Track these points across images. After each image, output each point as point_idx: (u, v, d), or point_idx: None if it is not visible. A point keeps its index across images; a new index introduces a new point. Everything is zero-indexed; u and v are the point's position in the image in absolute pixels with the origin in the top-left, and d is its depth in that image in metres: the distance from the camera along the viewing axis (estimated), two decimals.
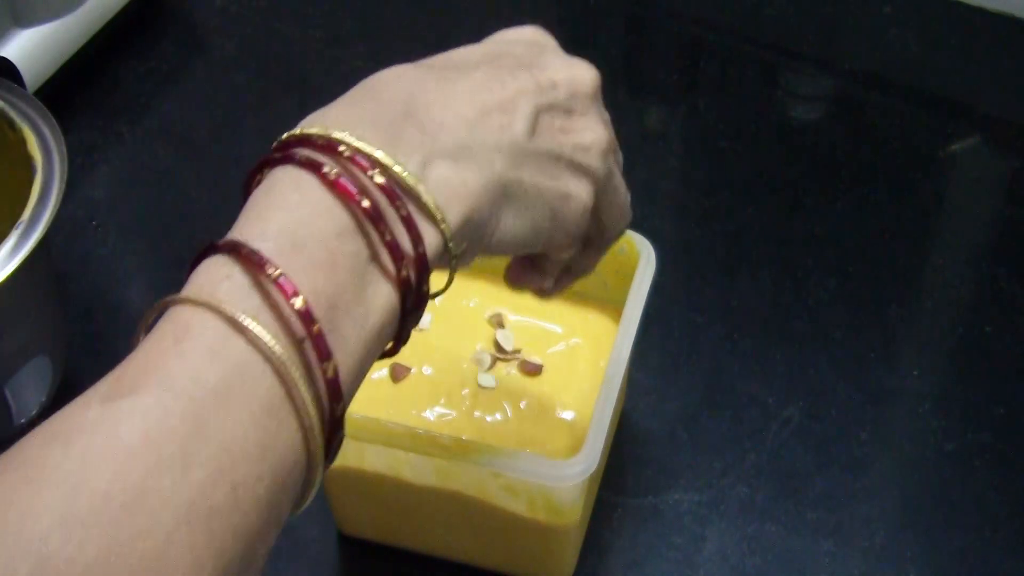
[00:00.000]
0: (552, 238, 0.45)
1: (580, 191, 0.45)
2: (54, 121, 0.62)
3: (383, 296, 0.38)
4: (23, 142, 0.61)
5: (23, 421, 0.64)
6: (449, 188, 0.40)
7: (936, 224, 0.78)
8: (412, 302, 0.39)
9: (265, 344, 0.35)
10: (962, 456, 0.65)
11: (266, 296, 0.36)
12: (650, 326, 0.59)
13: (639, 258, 0.59)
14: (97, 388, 0.35)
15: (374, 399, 0.58)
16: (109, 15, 0.83)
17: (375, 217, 0.38)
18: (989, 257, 0.75)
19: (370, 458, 0.56)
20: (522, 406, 0.60)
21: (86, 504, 0.31)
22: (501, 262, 0.52)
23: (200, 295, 0.37)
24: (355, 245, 0.38)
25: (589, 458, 0.52)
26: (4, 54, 0.76)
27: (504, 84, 0.43)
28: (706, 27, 0.89)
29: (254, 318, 0.35)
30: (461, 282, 0.62)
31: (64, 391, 0.66)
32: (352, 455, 0.56)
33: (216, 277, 0.37)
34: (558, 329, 0.63)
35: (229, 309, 0.35)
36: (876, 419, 0.66)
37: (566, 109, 0.45)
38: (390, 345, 0.40)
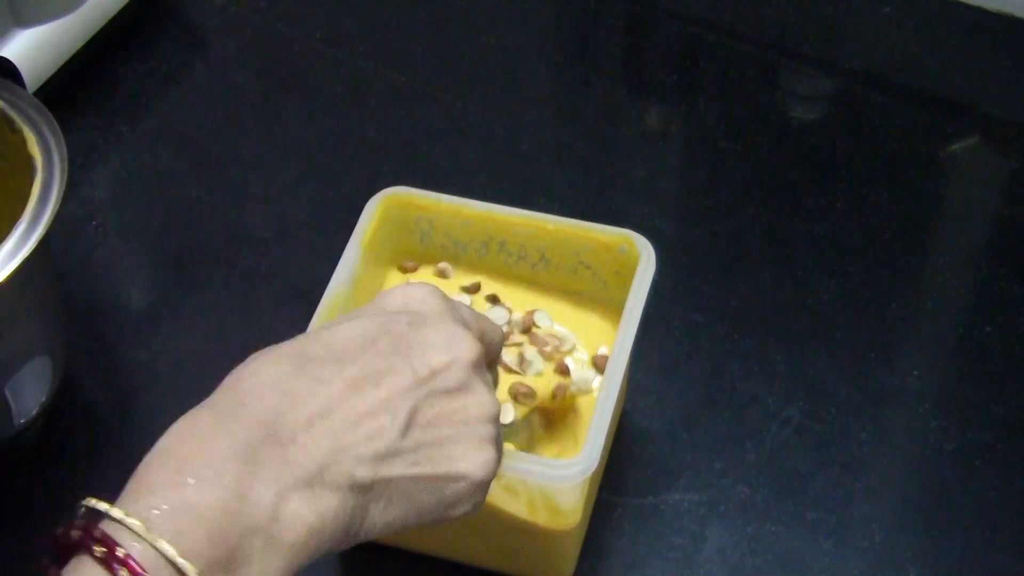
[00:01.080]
0: (442, 514, 0.46)
1: (473, 467, 0.46)
2: (54, 121, 0.62)
3: None
4: (23, 142, 0.61)
5: (23, 421, 0.64)
6: (300, 524, 0.41)
7: (936, 224, 0.78)
8: None
9: None
10: (962, 456, 0.65)
11: None
12: (650, 326, 0.59)
13: (639, 258, 0.59)
14: None
15: None
16: (109, 15, 0.83)
17: None
18: (989, 257, 0.75)
19: None
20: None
21: None
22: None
23: None
24: None
25: (589, 458, 0.52)
26: (4, 54, 0.76)
27: (379, 383, 0.44)
28: (706, 27, 0.89)
29: None
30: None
31: (64, 391, 0.66)
32: None
33: None
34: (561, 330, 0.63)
35: None
36: (876, 419, 0.66)
37: (446, 392, 0.46)
38: None
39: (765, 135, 0.82)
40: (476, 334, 0.48)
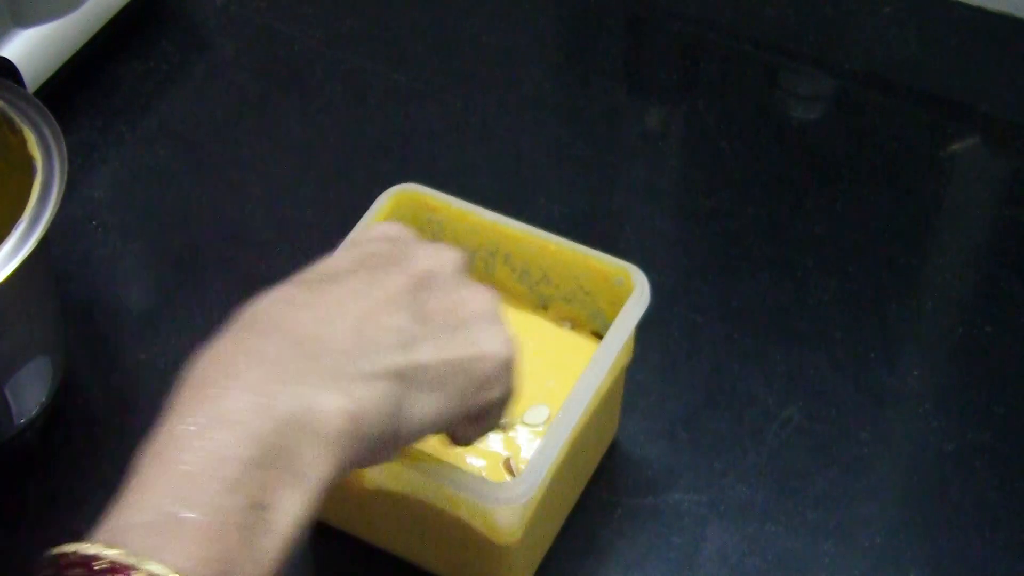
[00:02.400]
0: (480, 398, 0.47)
1: (496, 346, 0.47)
2: (54, 121, 0.62)
3: None
4: (23, 142, 0.61)
5: (23, 421, 0.64)
6: (338, 412, 0.41)
7: (936, 224, 0.78)
8: None
9: None
10: (962, 456, 0.65)
11: None
12: (650, 326, 0.59)
13: (632, 292, 0.58)
14: None
15: None
16: (109, 15, 0.83)
17: None
18: (989, 257, 0.75)
19: None
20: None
21: None
22: None
23: None
24: None
25: (526, 484, 0.51)
26: (4, 54, 0.76)
27: (382, 284, 0.45)
28: (706, 27, 0.89)
29: None
30: None
31: (64, 391, 0.66)
32: None
33: None
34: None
35: None
36: (876, 419, 0.66)
37: (444, 288, 0.47)
38: None
39: (765, 135, 0.82)
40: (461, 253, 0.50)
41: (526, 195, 0.76)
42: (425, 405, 0.44)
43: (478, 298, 0.48)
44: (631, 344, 0.59)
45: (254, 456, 0.39)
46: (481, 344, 0.46)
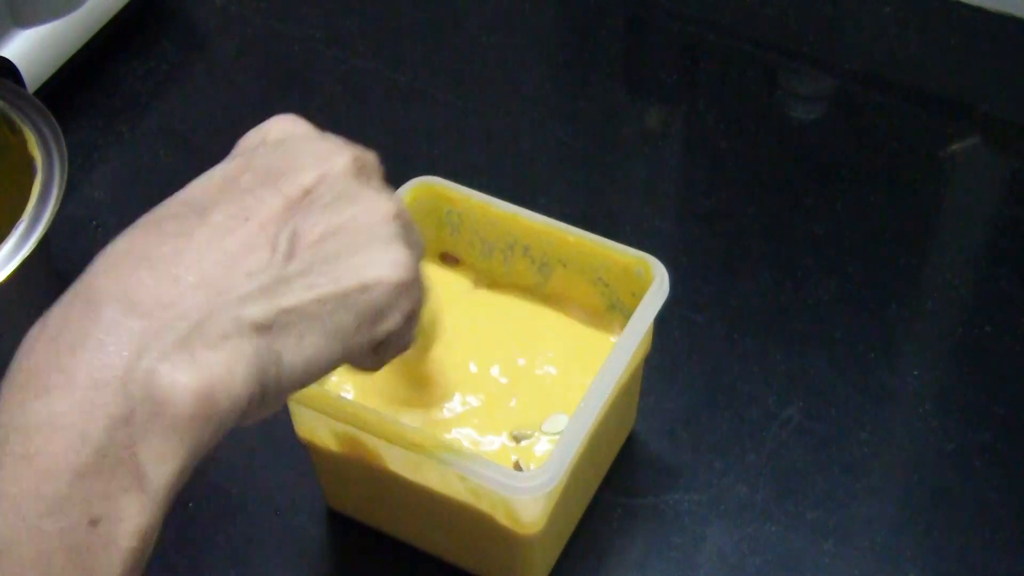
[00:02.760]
0: (370, 332, 0.41)
1: (382, 269, 0.40)
2: (54, 121, 0.62)
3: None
4: (24, 142, 0.61)
5: None
6: (181, 391, 0.35)
7: (936, 224, 0.78)
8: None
9: None
10: (962, 456, 0.65)
11: None
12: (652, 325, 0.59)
13: (652, 282, 0.58)
14: None
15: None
16: (109, 15, 0.83)
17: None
18: (989, 257, 0.75)
19: (353, 442, 0.56)
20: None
21: None
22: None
23: None
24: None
25: (548, 474, 0.51)
26: (4, 54, 0.76)
27: (248, 217, 0.40)
28: (706, 27, 0.89)
29: None
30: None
31: None
32: (337, 438, 0.56)
33: None
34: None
35: None
36: (876, 419, 0.66)
37: (327, 207, 0.41)
38: None
39: (765, 135, 0.82)
40: (354, 153, 0.44)
41: (526, 195, 0.76)
42: (301, 352, 0.39)
43: (368, 213, 0.41)
44: (650, 335, 0.59)
45: (84, 464, 0.34)
46: (365, 270, 0.40)
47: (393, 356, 0.44)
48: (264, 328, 0.38)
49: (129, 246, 0.40)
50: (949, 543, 0.62)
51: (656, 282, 0.58)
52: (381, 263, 0.40)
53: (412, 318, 0.43)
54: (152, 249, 0.39)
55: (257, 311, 0.38)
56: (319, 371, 0.40)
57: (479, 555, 0.59)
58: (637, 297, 0.58)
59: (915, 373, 0.69)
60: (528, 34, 0.89)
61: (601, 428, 0.57)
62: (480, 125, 0.82)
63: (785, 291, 0.72)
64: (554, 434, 0.59)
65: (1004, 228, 0.77)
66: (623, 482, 0.63)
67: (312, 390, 0.51)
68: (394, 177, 0.64)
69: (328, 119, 0.83)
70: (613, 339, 0.61)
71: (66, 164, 0.60)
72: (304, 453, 0.60)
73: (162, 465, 0.35)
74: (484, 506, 0.54)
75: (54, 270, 0.67)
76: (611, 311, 0.62)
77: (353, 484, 0.60)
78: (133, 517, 0.35)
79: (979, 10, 0.87)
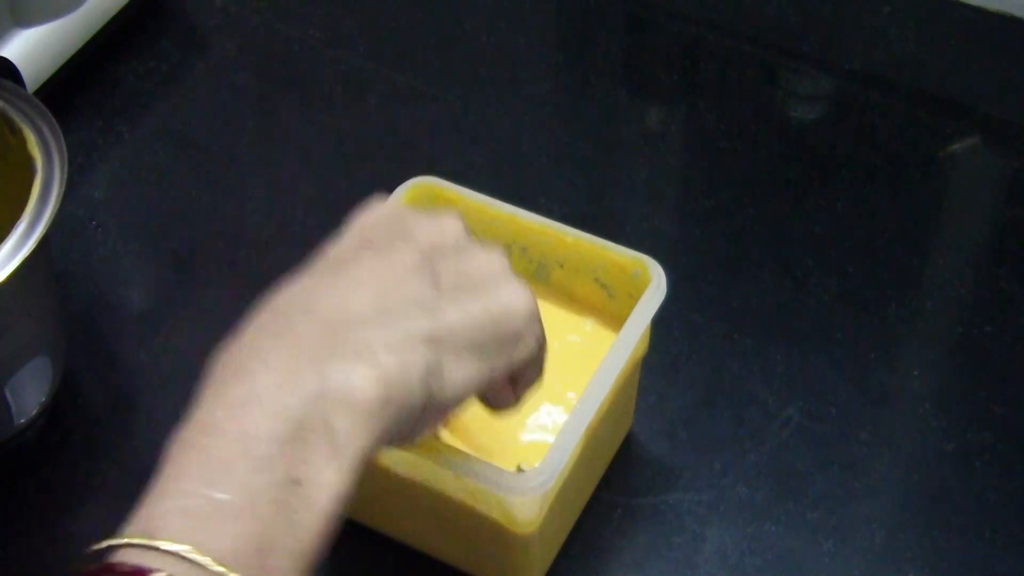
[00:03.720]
0: (512, 355, 0.47)
1: (518, 300, 0.47)
2: (54, 121, 0.62)
3: None
4: (23, 142, 0.61)
5: (23, 421, 0.64)
6: (367, 384, 0.41)
7: (936, 224, 0.78)
8: None
9: None
10: (962, 456, 0.65)
11: None
12: (650, 325, 0.59)
13: (649, 283, 0.58)
14: None
15: None
16: (109, 15, 0.83)
17: None
18: (989, 257, 0.75)
19: None
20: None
21: None
22: None
23: None
24: None
25: (544, 474, 0.51)
26: (4, 54, 0.76)
27: (392, 260, 0.45)
28: (706, 27, 0.89)
29: None
30: None
31: (64, 391, 0.66)
32: None
33: None
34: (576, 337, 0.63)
35: None
36: (876, 419, 0.66)
37: (454, 253, 0.47)
38: None
39: (765, 135, 0.82)
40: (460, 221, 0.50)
41: (526, 195, 0.76)
42: (459, 368, 0.44)
43: (489, 259, 0.48)
44: (647, 336, 0.59)
45: (285, 432, 0.39)
46: (503, 301, 0.46)
47: (527, 389, 0.50)
48: (430, 341, 0.43)
49: (299, 283, 0.45)
50: (949, 543, 0.62)
51: (653, 283, 0.58)
52: (517, 294, 0.47)
53: (542, 346, 0.49)
54: (322, 281, 0.45)
55: (425, 325, 0.43)
56: (469, 389, 0.45)
57: (475, 555, 0.59)
58: (635, 298, 0.58)
59: (915, 373, 0.69)
60: (528, 34, 0.89)
61: (598, 429, 0.57)
62: (480, 125, 0.82)
63: (785, 291, 0.72)
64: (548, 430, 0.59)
65: (1004, 228, 0.77)
66: (623, 482, 0.63)
67: None
68: (393, 177, 0.64)
69: (328, 119, 0.83)
70: (611, 340, 0.62)
71: (66, 164, 0.60)
72: None
73: (352, 441, 0.40)
74: (480, 506, 0.54)
75: (54, 270, 0.67)
76: (609, 312, 0.62)
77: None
78: (329, 482, 0.40)
79: (979, 10, 0.87)
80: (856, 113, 0.84)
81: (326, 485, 0.40)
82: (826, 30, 0.88)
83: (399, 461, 0.55)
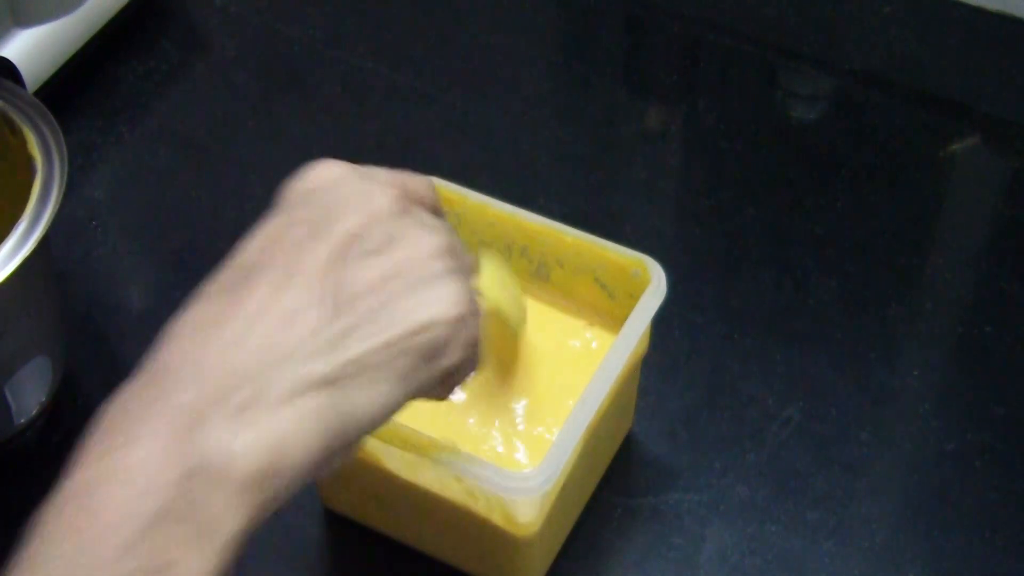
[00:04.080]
0: (435, 372, 0.42)
1: (439, 308, 0.42)
2: (54, 121, 0.62)
3: None
4: (23, 142, 0.61)
5: (23, 421, 0.64)
6: (252, 453, 0.38)
7: (936, 224, 0.78)
8: None
9: None
10: (962, 456, 0.65)
11: None
12: (650, 325, 0.59)
13: (649, 283, 0.58)
14: None
15: None
16: (109, 15, 0.83)
17: None
18: (989, 257, 0.75)
19: None
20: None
21: None
22: None
23: None
24: None
25: (544, 474, 0.51)
26: (4, 54, 0.76)
27: (295, 273, 0.41)
28: (706, 27, 0.89)
29: None
30: None
31: (64, 391, 0.66)
32: None
33: None
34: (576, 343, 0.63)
35: None
36: (876, 419, 0.66)
37: (375, 252, 0.42)
38: None
39: (765, 135, 0.82)
40: (397, 190, 0.45)
41: (526, 195, 0.76)
42: (368, 400, 0.40)
43: (416, 250, 0.42)
44: (647, 335, 0.59)
45: (155, 512, 0.36)
46: (420, 312, 0.41)
47: (460, 382, 0.45)
48: (329, 383, 0.39)
49: (191, 318, 0.41)
50: (949, 543, 0.62)
51: (653, 283, 0.58)
52: (432, 303, 0.42)
53: (473, 346, 0.44)
54: (216, 314, 0.41)
55: (320, 367, 0.39)
56: (389, 413, 0.41)
57: (476, 556, 0.59)
58: (635, 298, 0.58)
59: (915, 373, 0.69)
60: (528, 34, 0.89)
61: (597, 429, 0.57)
62: (480, 125, 0.82)
63: (785, 291, 0.72)
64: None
65: (1004, 228, 0.77)
66: (623, 482, 0.63)
67: None
68: None
69: (328, 119, 0.83)
70: (610, 340, 0.62)
71: (66, 164, 0.60)
72: None
73: (227, 522, 0.37)
74: (480, 506, 0.54)
75: (54, 270, 0.67)
76: (609, 312, 0.62)
77: (350, 484, 0.60)
78: (198, 568, 0.37)
79: (979, 10, 0.87)
80: (856, 113, 0.84)
81: (194, 572, 0.37)
82: (826, 30, 0.88)
83: (400, 463, 0.55)
